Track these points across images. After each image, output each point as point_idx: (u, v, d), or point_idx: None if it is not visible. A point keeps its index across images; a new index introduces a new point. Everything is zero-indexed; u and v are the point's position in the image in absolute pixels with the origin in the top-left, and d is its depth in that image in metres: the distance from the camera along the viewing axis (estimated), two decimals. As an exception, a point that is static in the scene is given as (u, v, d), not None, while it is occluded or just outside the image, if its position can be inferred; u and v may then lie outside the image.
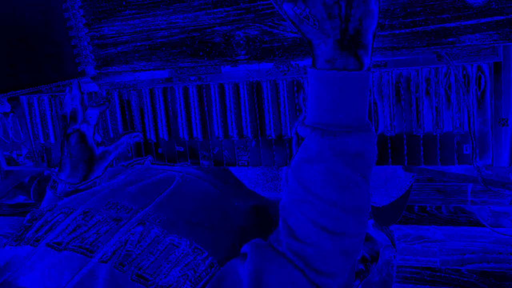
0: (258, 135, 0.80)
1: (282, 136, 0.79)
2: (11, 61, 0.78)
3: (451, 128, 0.70)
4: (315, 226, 0.55)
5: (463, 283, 1.58)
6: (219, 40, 0.74)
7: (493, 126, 0.68)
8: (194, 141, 0.84)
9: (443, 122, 0.70)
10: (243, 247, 0.59)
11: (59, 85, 0.85)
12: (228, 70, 0.78)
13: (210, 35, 0.74)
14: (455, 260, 1.60)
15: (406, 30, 0.66)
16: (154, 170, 0.82)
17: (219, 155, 0.83)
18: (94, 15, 0.79)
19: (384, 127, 0.73)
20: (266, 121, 0.79)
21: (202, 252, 0.58)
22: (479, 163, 0.70)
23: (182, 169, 0.81)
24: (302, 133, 0.58)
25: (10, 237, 0.62)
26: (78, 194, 0.72)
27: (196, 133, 0.83)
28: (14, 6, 0.76)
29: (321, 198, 0.55)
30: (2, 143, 0.95)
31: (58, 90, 0.89)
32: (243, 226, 0.72)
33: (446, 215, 1.61)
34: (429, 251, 1.62)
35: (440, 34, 0.65)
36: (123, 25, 0.78)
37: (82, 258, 0.55)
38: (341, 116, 0.55)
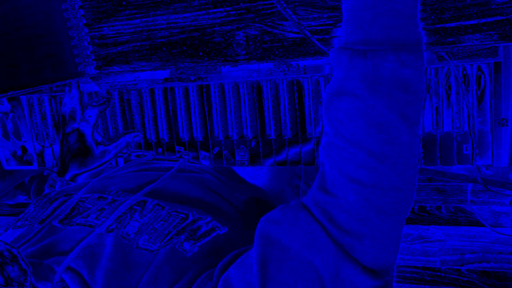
0: (258, 135, 0.80)
1: (282, 136, 0.79)
2: (11, 61, 0.78)
3: (451, 128, 0.70)
4: (340, 173, 0.46)
5: (463, 283, 1.58)
6: (219, 40, 0.74)
7: (493, 126, 0.68)
8: (194, 141, 0.84)
9: (443, 122, 0.70)
10: None
11: (59, 85, 0.85)
12: (228, 70, 0.78)
13: (210, 35, 0.74)
14: (455, 260, 1.60)
15: (406, 30, 0.66)
16: (155, 163, 0.83)
17: (219, 155, 0.83)
18: (94, 15, 0.79)
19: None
20: (266, 121, 0.79)
21: (205, 217, 0.59)
22: (479, 163, 0.70)
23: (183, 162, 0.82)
24: (332, 61, 0.47)
25: (12, 223, 0.63)
26: (76, 182, 0.74)
27: (196, 133, 0.83)
28: (13, 6, 0.76)
29: (347, 139, 0.45)
30: (2, 143, 0.95)
31: (58, 90, 0.89)
32: (244, 213, 0.73)
33: (446, 215, 1.61)
34: (429, 251, 1.62)
35: (440, 34, 0.65)
36: (123, 25, 0.78)
37: (88, 229, 0.57)
38: (377, 29, 0.43)
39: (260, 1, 0.70)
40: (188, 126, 0.83)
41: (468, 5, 0.63)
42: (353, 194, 0.45)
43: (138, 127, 0.86)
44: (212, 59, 0.76)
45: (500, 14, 0.62)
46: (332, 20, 0.68)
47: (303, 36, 0.70)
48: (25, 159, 0.95)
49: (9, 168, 0.97)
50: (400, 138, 0.44)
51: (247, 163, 0.82)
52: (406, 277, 1.64)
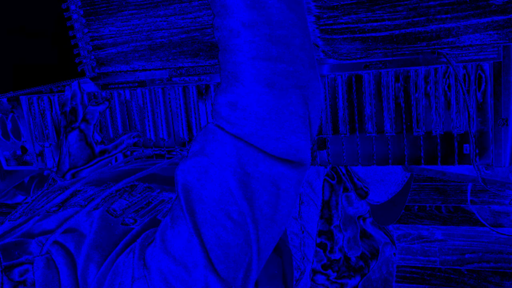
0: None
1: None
2: (11, 61, 0.78)
3: (451, 128, 0.70)
4: (228, 61, 0.47)
5: (463, 283, 1.58)
6: (219, 40, 0.74)
7: (493, 126, 0.68)
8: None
9: (443, 122, 0.70)
10: None
11: (59, 85, 0.85)
12: (228, 70, 0.78)
13: (210, 35, 0.74)
14: (455, 260, 1.60)
15: (406, 30, 0.66)
16: (153, 160, 0.84)
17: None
18: (94, 15, 0.79)
19: (384, 127, 0.73)
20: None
21: None
22: (479, 163, 0.70)
23: (180, 157, 0.83)
24: None
25: (9, 215, 0.64)
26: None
27: (196, 133, 0.83)
28: (13, 6, 0.76)
29: (224, 15, 0.47)
30: (2, 143, 0.95)
31: (58, 90, 0.89)
32: None
33: (446, 215, 1.62)
34: (429, 251, 1.62)
35: (440, 34, 0.65)
36: (123, 25, 0.78)
37: (77, 209, 0.58)
38: None
39: (260, 1, 0.70)
40: (188, 126, 0.83)
41: (468, 5, 0.63)
42: (240, 73, 0.45)
43: (138, 127, 0.86)
44: (212, 59, 0.76)
45: (500, 14, 0.62)
46: (332, 20, 0.68)
47: (303, 36, 0.70)
48: (25, 159, 0.95)
49: (9, 168, 0.97)
50: (266, 1, 0.45)
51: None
52: (406, 277, 1.64)
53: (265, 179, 0.44)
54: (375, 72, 0.71)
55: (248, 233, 0.44)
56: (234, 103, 0.46)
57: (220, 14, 0.46)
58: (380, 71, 0.71)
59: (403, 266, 1.65)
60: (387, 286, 1.14)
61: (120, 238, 0.51)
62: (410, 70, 0.70)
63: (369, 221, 1.11)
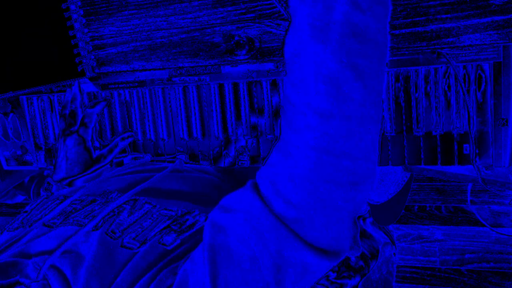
0: (258, 135, 0.80)
1: (282, 136, 0.79)
2: (11, 61, 0.78)
3: (451, 128, 0.70)
4: (288, 136, 0.43)
5: (463, 283, 1.58)
6: (219, 40, 0.74)
7: (493, 126, 0.68)
8: (193, 141, 0.84)
9: (443, 122, 0.70)
10: None
11: (59, 85, 0.85)
12: (228, 70, 0.78)
13: (210, 35, 0.74)
14: (455, 260, 1.60)
15: (406, 30, 0.66)
16: (153, 164, 0.83)
17: (218, 155, 0.83)
18: (94, 15, 0.79)
19: (384, 127, 0.73)
20: (266, 121, 0.79)
21: (193, 211, 0.59)
22: (479, 163, 0.70)
23: (178, 162, 0.82)
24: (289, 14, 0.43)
25: (7, 224, 0.63)
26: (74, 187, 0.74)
27: (196, 133, 0.83)
28: (13, 6, 0.76)
29: (298, 98, 0.42)
30: (2, 143, 0.95)
31: (58, 90, 0.89)
32: None
33: (446, 215, 1.62)
34: (429, 251, 1.62)
35: (440, 34, 0.65)
36: (123, 25, 0.78)
37: (76, 228, 0.57)
38: None
39: (260, 1, 0.70)
40: (188, 126, 0.83)
41: (468, 5, 0.63)
42: (300, 159, 0.41)
43: (138, 127, 0.86)
44: (212, 59, 0.76)
45: (500, 14, 0.62)
46: (332, 20, 0.68)
47: (303, 36, 0.70)
48: (25, 159, 0.95)
49: (9, 168, 0.97)
50: (350, 94, 0.39)
51: (247, 163, 0.82)
52: (406, 277, 1.64)
53: (299, 265, 0.43)
54: (375, 72, 0.71)
55: None
56: (284, 185, 0.43)
57: (296, 87, 0.42)
58: (380, 71, 0.71)
59: (403, 266, 1.65)
60: (387, 286, 1.14)
61: (122, 265, 0.50)
62: (410, 70, 0.70)
63: (369, 221, 1.11)
